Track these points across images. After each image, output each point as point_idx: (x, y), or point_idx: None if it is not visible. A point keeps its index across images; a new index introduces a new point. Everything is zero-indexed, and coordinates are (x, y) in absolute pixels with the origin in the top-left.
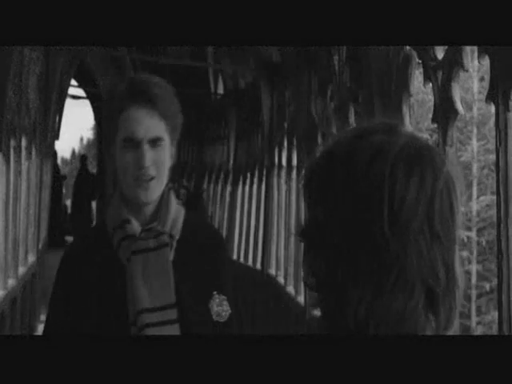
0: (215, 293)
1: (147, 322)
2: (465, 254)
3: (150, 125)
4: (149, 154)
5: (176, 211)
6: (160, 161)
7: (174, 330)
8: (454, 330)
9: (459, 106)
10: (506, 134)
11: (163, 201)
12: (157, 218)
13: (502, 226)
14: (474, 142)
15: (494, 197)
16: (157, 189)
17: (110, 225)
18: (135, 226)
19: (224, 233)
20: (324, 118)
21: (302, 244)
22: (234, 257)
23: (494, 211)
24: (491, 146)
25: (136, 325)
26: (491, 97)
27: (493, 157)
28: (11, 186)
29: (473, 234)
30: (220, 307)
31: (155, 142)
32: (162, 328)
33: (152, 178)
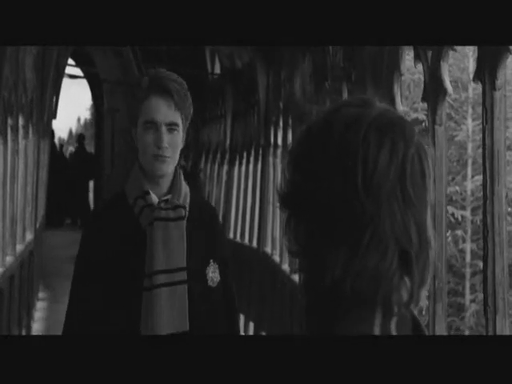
0: (211, 260)
1: (160, 283)
2: (459, 232)
3: (168, 112)
4: (166, 137)
5: (185, 187)
6: (174, 143)
7: (183, 290)
8: (443, 305)
9: (448, 86)
10: (493, 112)
11: (175, 177)
12: (171, 191)
13: (488, 203)
14: (470, 122)
15: None
16: (171, 165)
17: (131, 195)
18: (154, 197)
19: (221, 211)
20: (318, 97)
21: (284, 214)
22: (231, 235)
23: None
24: None
25: (151, 282)
26: (478, 76)
27: None
28: (8, 165)
29: (467, 213)
30: (214, 273)
31: (171, 126)
32: (171, 288)
33: (167, 157)
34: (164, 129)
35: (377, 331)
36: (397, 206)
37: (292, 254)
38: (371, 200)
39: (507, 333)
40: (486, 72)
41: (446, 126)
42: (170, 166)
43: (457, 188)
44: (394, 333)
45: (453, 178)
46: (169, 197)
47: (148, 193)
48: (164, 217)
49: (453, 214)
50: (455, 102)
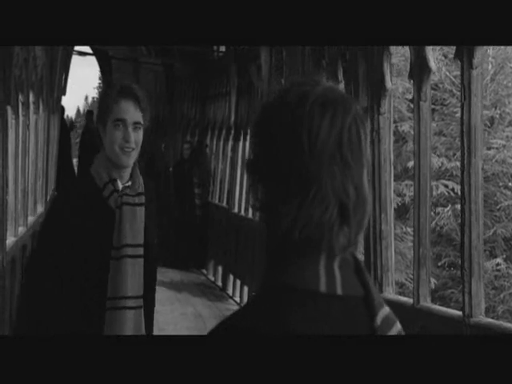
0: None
1: (126, 254)
2: (459, 206)
3: (135, 114)
4: (132, 134)
5: (140, 176)
6: (138, 139)
7: (141, 262)
8: (427, 270)
9: (432, 65)
10: (470, 89)
11: (134, 169)
12: (131, 179)
13: (465, 173)
14: None
15: (489, 151)
16: (134, 157)
17: (100, 179)
18: (119, 184)
19: (226, 186)
20: (315, 75)
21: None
22: (235, 210)
23: (487, 166)
24: (486, 102)
25: (118, 253)
26: (458, 55)
27: (487, 112)
28: (20, 139)
29: None
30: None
31: (136, 125)
32: (134, 259)
33: (132, 150)
34: (131, 128)
35: (322, 271)
36: (336, 167)
37: (255, 208)
38: (315, 163)
39: (482, 295)
40: (465, 51)
41: (447, 102)
42: (133, 158)
43: (457, 163)
44: (337, 271)
45: (454, 154)
46: (129, 184)
47: (116, 180)
48: (131, 202)
49: (453, 189)
50: (457, 79)
